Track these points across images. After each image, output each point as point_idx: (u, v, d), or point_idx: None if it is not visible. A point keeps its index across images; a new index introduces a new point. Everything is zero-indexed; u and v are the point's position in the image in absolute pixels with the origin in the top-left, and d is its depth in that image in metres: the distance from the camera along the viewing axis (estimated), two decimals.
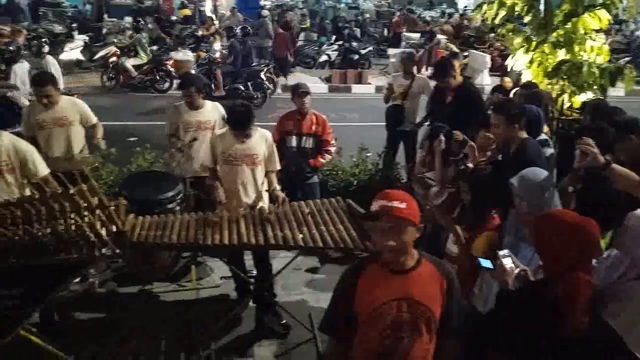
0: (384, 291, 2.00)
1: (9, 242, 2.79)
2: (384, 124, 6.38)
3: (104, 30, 15.16)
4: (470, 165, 3.73)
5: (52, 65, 7.51)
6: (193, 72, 11.07)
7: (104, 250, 3.00)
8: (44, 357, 3.37)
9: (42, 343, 3.33)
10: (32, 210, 2.80)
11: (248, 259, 4.04)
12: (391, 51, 15.42)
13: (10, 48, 7.35)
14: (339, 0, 24.67)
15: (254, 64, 11.72)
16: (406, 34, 17.62)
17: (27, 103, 5.83)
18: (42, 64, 7.49)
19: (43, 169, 3.54)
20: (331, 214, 3.54)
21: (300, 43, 15.83)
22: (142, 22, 14.61)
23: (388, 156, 6.12)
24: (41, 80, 4.38)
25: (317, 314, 4.03)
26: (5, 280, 2.98)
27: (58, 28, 15.23)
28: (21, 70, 6.90)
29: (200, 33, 15.13)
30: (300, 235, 3.27)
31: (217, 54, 12.27)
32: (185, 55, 12.69)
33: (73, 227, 2.81)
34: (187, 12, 17.89)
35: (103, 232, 2.91)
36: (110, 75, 11.77)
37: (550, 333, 2.12)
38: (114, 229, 3.05)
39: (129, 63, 11.95)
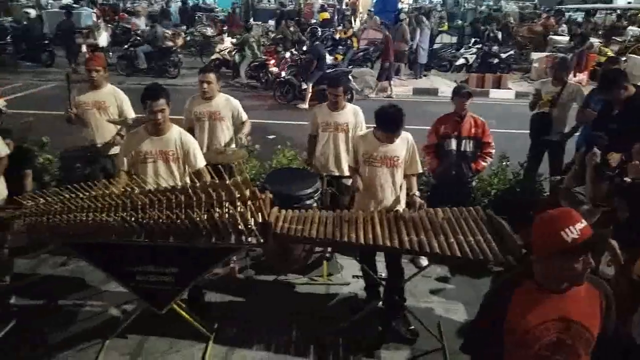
0: (540, 311, 1.88)
1: (171, 224, 3.09)
2: (527, 131, 6.03)
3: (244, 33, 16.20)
4: (628, 179, 3.38)
5: None
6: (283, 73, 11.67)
7: (250, 239, 3.21)
8: (189, 331, 3.72)
9: (189, 318, 3.67)
10: (193, 197, 3.08)
11: (379, 260, 4.06)
12: (535, 55, 14.49)
13: None
14: (480, 2, 23.74)
15: (342, 67, 11.95)
16: (553, 37, 16.43)
17: None
18: None
19: (201, 161, 3.87)
20: (469, 223, 3.41)
21: (436, 46, 15.55)
22: (252, 22, 15.66)
23: (531, 166, 5.76)
24: (206, 69, 4.93)
25: (446, 324, 3.96)
26: (164, 258, 3.32)
27: (210, 31, 16.63)
28: None
29: (337, 36, 15.50)
30: (436, 242, 3.21)
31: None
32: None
33: (227, 216, 3.04)
34: (326, 15, 18.43)
35: (252, 222, 3.11)
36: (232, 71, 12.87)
37: None
38: (260, 219, 3.24)
39: (238, 59, 13.09)
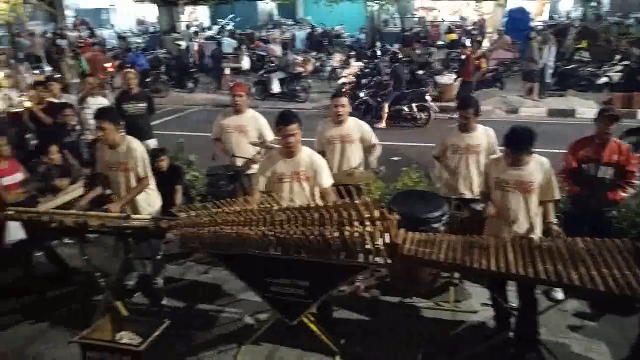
0: None
1: (305, 240, 3.28)
2: None
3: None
4: None
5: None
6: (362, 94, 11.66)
7: (377, 259, 3.29)
8: (317, 344, 3.86)
9: (318, 332, 3.82)
10: (326, 215, 3.24)
11: (510, 290, 3.90)
12: None
13: None
14: (627, 14, 21.72)
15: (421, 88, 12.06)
16: None
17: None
18: None
19: (328, 181, 4.07)
20: (615, 255, 3.16)
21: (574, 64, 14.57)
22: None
23: None
24: (338, 93, 5.14)
25: None
26: (297, 272, 3.52)
27: (338, 57, 17.23)
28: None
29: (464, 56, 15.17)
30: (576, 274, 3.02)
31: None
32: (450, 79, 12.97)
33: (356, 234, 3.16)
34: (454, 36, 18.19)
35: (380, 242, 3.19)
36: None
37: None
38: (387, 240, 3.30)
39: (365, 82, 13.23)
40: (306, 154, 4.08)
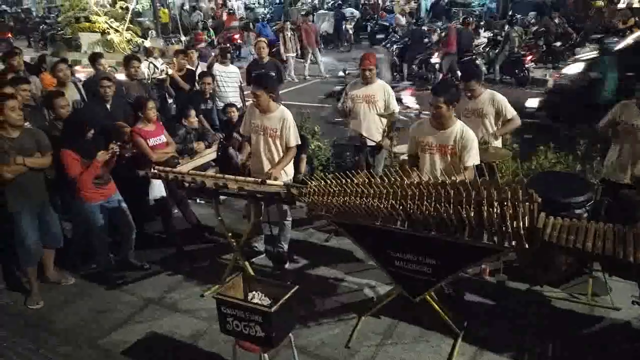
0: None
1: (437, 217, 3.15)
2: None
3: (506, 27, 15.40)
4: None
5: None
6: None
7: (513, 243, 3.07)
8: (438, 323, 3.75)
9: (441, 311, 3.71)
10: (463, 193, 3.08)
11: None
12: None
13: None
14: None
15: None
16: None
17: None
18: None
19: (474, 159, 3.87)
20: None
21: None
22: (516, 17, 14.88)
23: None
24: (467, 74, 4.80)
25: None
26: (424, 249, 3.41)
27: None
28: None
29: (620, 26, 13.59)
30: None
31: None
32: (592, 53, 11.73)
33: (495, 216, 2.96)
34: (599, 4, 16.34)
35: (520, 225, 2.97)
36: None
37: None
38: (527, 223, 3.06)
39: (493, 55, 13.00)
40: (458, 129, 3.90)
